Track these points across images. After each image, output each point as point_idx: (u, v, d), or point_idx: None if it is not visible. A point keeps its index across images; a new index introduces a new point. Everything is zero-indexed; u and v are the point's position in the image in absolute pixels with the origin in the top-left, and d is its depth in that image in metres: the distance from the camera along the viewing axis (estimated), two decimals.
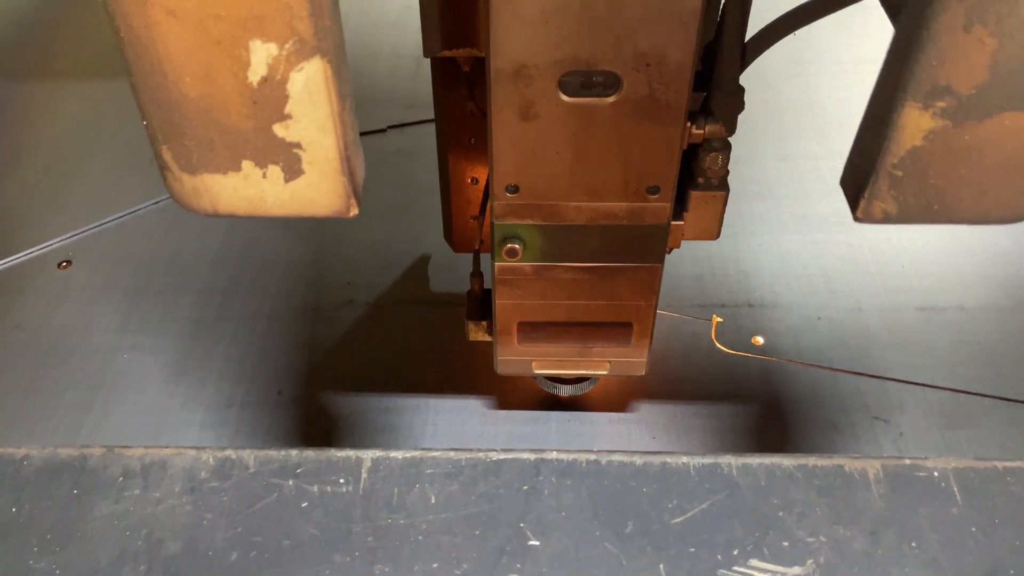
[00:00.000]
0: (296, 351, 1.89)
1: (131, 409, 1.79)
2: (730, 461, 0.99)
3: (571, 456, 1.00)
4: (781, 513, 0.94)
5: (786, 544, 0.91)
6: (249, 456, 0.98)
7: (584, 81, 1.13)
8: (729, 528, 0.93)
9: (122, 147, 2.47)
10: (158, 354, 1.88)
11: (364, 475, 0.97)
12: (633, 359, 1.48)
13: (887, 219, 0.87)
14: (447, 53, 1.20)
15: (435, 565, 0.90)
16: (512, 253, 1.30)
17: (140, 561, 0.89)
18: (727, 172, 1.34)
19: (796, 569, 0.89)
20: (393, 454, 1.00)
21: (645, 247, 1.31)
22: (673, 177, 1.22)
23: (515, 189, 1.24)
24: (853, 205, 0.88)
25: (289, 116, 0.81)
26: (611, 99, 1.13)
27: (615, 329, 1.43)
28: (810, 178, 2.36)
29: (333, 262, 2.11)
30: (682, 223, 1.37)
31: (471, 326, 1.54)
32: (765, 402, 1.80)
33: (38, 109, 2.65)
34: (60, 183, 2.36)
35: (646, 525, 0.93)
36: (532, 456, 1.00)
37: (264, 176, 0.85)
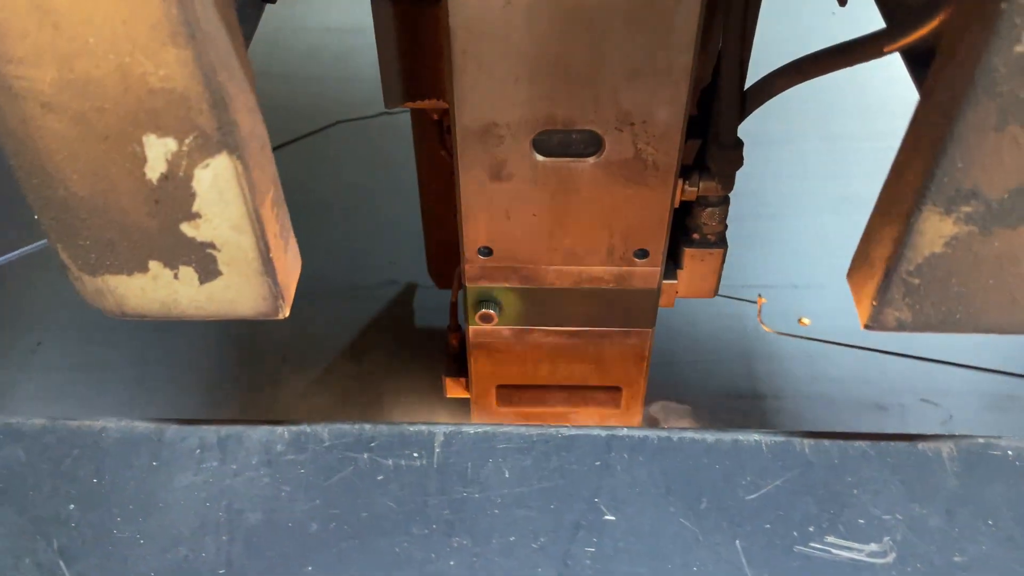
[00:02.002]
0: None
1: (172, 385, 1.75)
2: (802, 439, 0.97)
3: (642, 433, 0.99)
4: (856, 491, 0.93)
5: (862, 522, 0.90)
6: (323, 430, 0.98)
7: (562, 140, 1.01)
8: (804, 505, 0.92)
9: None
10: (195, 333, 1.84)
11: (437, 449, 0.98)
12: (625, 421, 1.36)
13: (901, 327, 0.75)
14: (409, 105, 1.08)
15: (512, 538, 0.91)
16: (486, 319, 1.18)
17: (221, 532, 0.90)
18: (725, 227, 1.22)
19: (872, 546, 0.89)
20: (465, 428, 1.00)
21: (634, 312, 1.19)
22: (663, 241, 1.10)
23: (488, 251, 1.12)
24: (861, 310, 0.76)
25: (198, 215, 0.69)
26: (592, 160, 1.01)
27: (603, 393, 1.32)
28: (852, 159, 2.29)
29: (375, 242, 2.06)
30: (675, 282, 1.25)
31: (448, 383, 1.43)
32: (812, 383, 1.74)
33: None
34: None
35: (720, 501, 0.93)
36: (603, 432, 1.00)
37: (176, 277, 0.74)
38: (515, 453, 0.97)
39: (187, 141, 0.64)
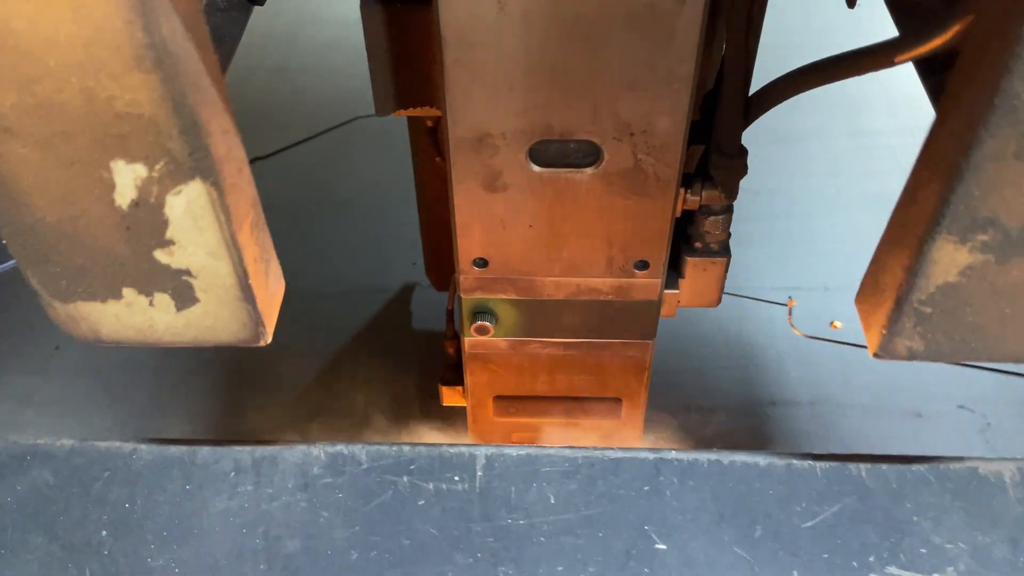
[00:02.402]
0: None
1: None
2: (858, 463, 0.93)
3: (691, 456, 0.96)
4: (915, 517, 0.89)
5: (923, 551, 0.87)
6: (361, 451, 0.95)
7: (559, 150, 0.97)
8: (863, 533, 0.88)
9: None
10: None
11: (479, 472, 0.94)
12: (625, 434, 1.33)
13: (912, 356, 0.72)
14: (402, 113, 1.04)
15: (560, 568, 0.88)
16: (482, 331, 1.15)
17: (259, 559, 0.87)
18: (729, 235, 1.18)
19: None
20: (507, 451, 0.96)
21: (634, 323, 1.16)
22: (664, 252, 1.06)
23: (484, 263, 1.09)
24: (870, 338, 0.72)
25: (172, 242, 0.66)
26: (590, 170, 0.97)
27: (604, 403, 1.28)
28: (881, 154, 2.23)
29: (395, 242, 2.02)
30: (677, 292, 1.21)
31: (445, 391, 1.40)
32: (845, 390, 1.69)
33: None
34: None
35: (775, 528, 0.89)
36: (651, 455, 0.96)
37: (151, 304, 0.71)
38: (560, 477, 0.93)
39: (157, 167, 0.61)
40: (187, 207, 0.63)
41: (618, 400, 1.27)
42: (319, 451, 0.94)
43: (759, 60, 1.02)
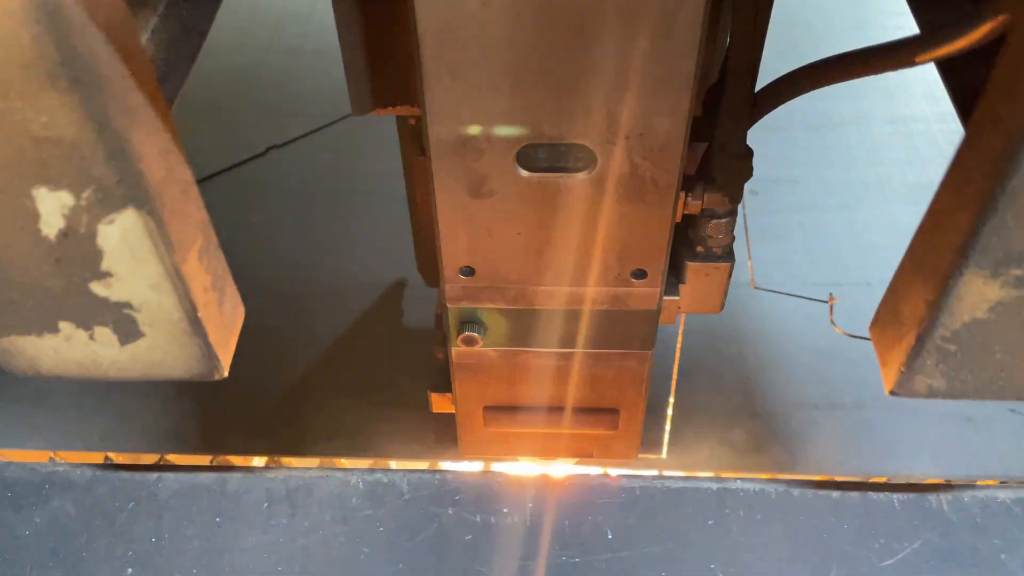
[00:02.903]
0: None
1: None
2: (939, 494, 0.89)
3: (758, 486, 0.91)
4: (1003, 555, 0.84)
5: None
6: (402, 480, 0.90)
7: (549, 153, 0.90)
8: (946, 572, 0.83)
9: None
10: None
11: (529, 504, 0.90)
12: (622, 445, 1.26)
13: (933, 395, 0.65)
14: (380, 112, 0.97)
15: None
16: (470, 342, 1.08)
17: None
18: (733, 239, 1.11)
19: None
20: (559, 479, 0.92)
21: (631, 333, 1.09)
22: (663, 260, 0.99)
23: (470, 271, 1.02)
24: (887, 373, 0.65)
25: (108, 274, 0.59)
26: (583, 175, 0.90)
27: (599, 415, 1.22)
28: (922, 142, 2.14)
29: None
30: (677, 298, 1.15)
31: (434, 398, 1.33)
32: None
33: None
34: None
35: (853, 568, 0.84)
36: (714, 485, 0.91)
37: (92, 338, 0.64)
38: (617, 510, 0.87)
39: (84, 195, 0.54)
40: (122, 237, 0.57)
41: (615, 411, 1.21)
42: (357, 479, 0.88)
43: (765, 54, 0.94)
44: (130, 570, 0.83)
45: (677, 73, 0.81)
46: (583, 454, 1.30)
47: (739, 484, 0.90)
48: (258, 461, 1.55)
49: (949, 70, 0.77)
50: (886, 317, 0.66)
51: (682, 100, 0.83)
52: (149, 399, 1.56)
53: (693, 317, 1.68)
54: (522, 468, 0.89)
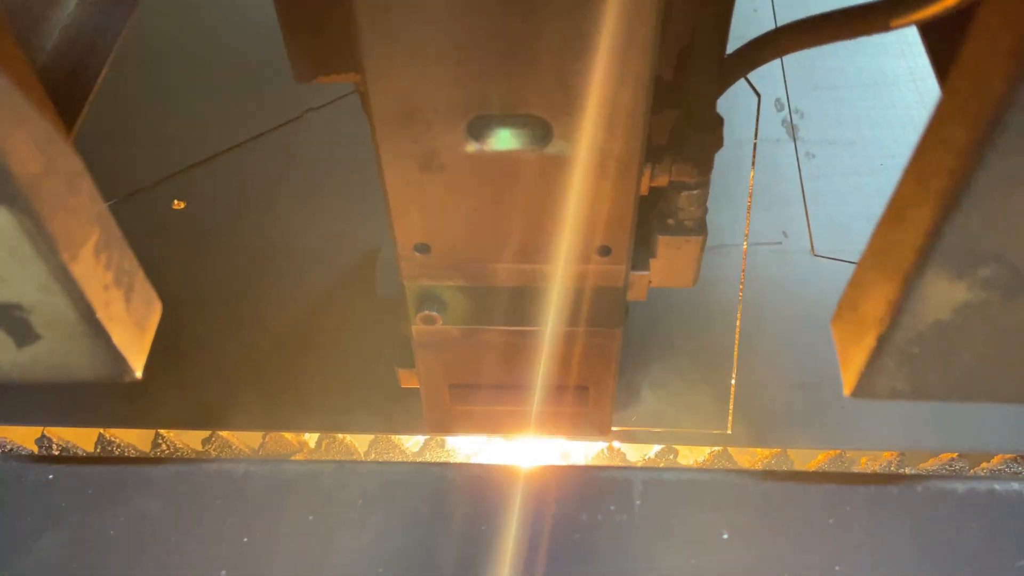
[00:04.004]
0: None
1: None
2: None
3: (879, 483, 0.84)
4: None
5: None
6: (502, 475, 0.87)
7: (502, 125, 0.84)
8: None
9: None
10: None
11: (636, 501, 0.85)
12: (593, 422, 1.22)
13: (895, 396, 0.60)
14: (324, 79, 0.91)
15: None
16: (429, 321, 1.03)
17: None
18: (706, 211, 1.05)
19: None
20: (666, 475, 0.87)
21: (598, 311, 1.04)
22: (628, 236, 0.94)
23: (426, 248, 0.96)
24: (847, 375, 0.61)
25: None
26: (538, 149, 0.84)
27: (569, 391, 1.18)
28: None
29: None
30: (647, 273, 1.09)
31: (403, 374, 1.29)
32: None
33: None
34: None
35: (985, 569, 0.78)
36: (834, 483, 0.85)
37: None
38: (728, 508, 0.82)
39: None
40: None
41: (585, 388, 1.16)
42: (455, 474, 0.83)
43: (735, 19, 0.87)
44: (224, 572, 0.79)
45: (635, 39, 0.74)
46: (554, 431, 1.26)
47: (859, 482, 0.84)
48: (310, 437, 1.51)
49: (931, 38, 0.71)
50: (847, 314, 0.61)
51: (641, 68, 0.77)
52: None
53: (751, 288, 1.62)
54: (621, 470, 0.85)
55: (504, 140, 0.84)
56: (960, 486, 0.81)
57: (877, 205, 1.81)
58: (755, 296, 1.63)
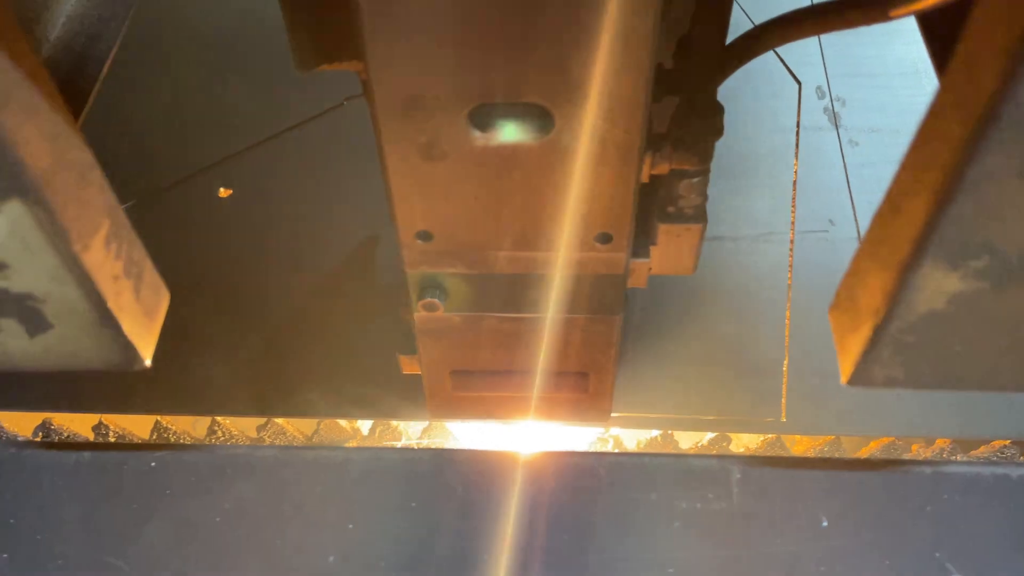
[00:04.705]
0: None
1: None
2: None
3: (973, 469, 0.84)
4: None
5: None
6: (598, 464, 0.88)
7: (504, 113, 0.85)
8: None
9: None
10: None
11: (735, 489, 0.84)
12: (594, 408, 1.24)
13: (890, 384, 0.61)
14: (327, 67, 0.91)
15: None
16: (431, 307, 1.04)
17: None
18: (705, 199, 1.06)
19: None
20: (762, 464, 0.85)
21: (597, 299, 1.05)
22: (628, 224, 0.95)
23: (427, 236, 0.97)
24: (843, 363, 0.62)
25: (6, 265, 0.55)
26: (540, 137, 0.85)
27: (570, 377, 1.19)
28: None
29: None
30: (647, 260, 1.10)
31: (403, 360, 1.30)
32: None
33: None
34: None
35: None
36: (928, 469, 0.84)
37: None
38: (824, 496, 0.81)
39: None
40: (11, 229, 0.52)
41: (585, 374, 1.18)
42: (549, 462, 0.84)
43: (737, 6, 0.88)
44: (331, 558, 0.79)
45: (636, 29, 0.75)
46: (554, 416, 1.28)
47: (953, 468, 0.84)
48: (363, 424, 1.52)
49: (930, 30, 0.71)
50: (844, 303, 0.62)
51: (642, 58, 0.77)
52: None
53: (800, 276, 1.63)
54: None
55: (506, 129, 0.85)
56: None
57: None
58: (804, 284, 1.64)
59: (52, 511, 0.81)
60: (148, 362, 0.65)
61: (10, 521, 0.81)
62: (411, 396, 1.50)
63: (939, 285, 0.52)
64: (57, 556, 0.79)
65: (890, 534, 0.79)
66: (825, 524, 0.80)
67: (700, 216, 1.06)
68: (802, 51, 1.92)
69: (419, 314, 1.08)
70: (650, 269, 1.12)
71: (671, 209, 1.06)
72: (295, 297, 1.71)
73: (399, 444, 1.52)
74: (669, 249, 1.09)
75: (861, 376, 0.61)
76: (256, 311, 1.69)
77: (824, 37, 1.91)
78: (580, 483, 0.82)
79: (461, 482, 0.83)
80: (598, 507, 0.81)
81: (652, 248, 1.10)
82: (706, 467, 0.84)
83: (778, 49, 1.83)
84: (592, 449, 1.55)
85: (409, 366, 1.31)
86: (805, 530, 0.80)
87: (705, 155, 0.96)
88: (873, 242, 0.57)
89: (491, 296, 1.05)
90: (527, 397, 1.22)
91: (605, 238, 0.96)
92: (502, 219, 0.94)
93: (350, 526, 0.81)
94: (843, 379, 0.62)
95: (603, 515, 0.81)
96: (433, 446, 1.46)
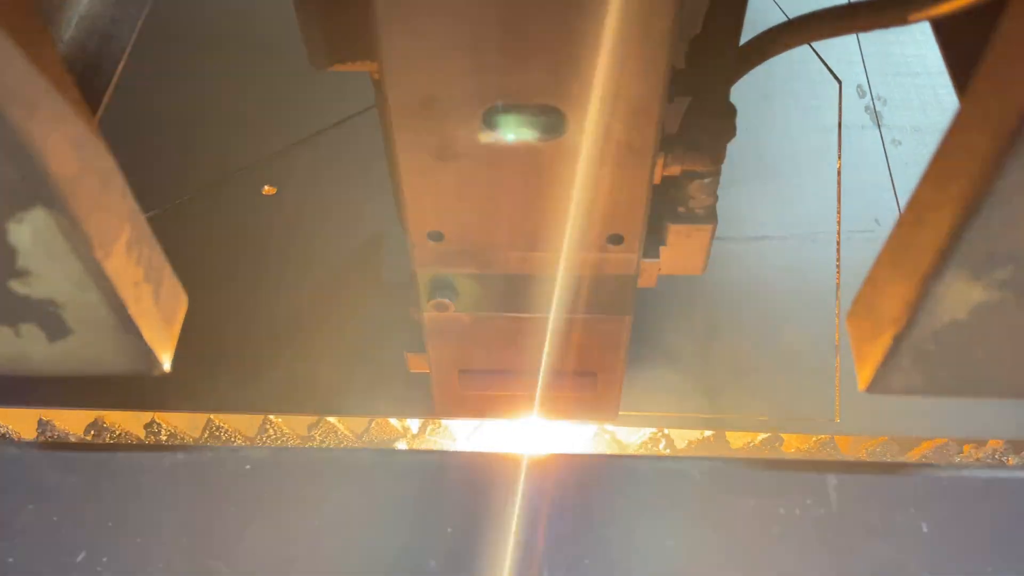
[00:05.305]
0: None
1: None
2: None
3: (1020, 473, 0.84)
4: None
5: None
6: (690, 467, 0.87)
7: (518, 114, 0.85)
8: None
9: None
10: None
11: (832, 494, 0.83)
12: (602, 408, 1.24)
13: (910, 391, 0.61)
14: (340, 67, 0.91)
15: None
16: (442, 308, 1.04)
17: None
18: (716, 199, 1.06)
19: None
20: (859, 470, 0.86)
21: (607, 299, 1.05)
22: (640, 225, 0.95)
23: (439, 236, 0.97)
24: (862, 371, 0.62)
25: (27, 272, 0.55)
26: (554, 139, 0.85)
27: (576, 378, 1.19)
28: None
29: None
30: (657, 261, 1.10)
31: (411, 358, 1.31)
32: None
33: None
34: None
35: None
36: (1019, 474, 0.85)
37: (18, 335, 0.60)
38: (924, 500, 0.81)
39: None
40: (34, 236, 0.52)
41: (593, 374, 1.18)
42: (641, 462, 0.84)
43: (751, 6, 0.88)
44: (433, 563, 0.80)
45: (652, 32, 0.75)
46: (562, 415, 1.28)
47: (1005, 473, 0.84)
48: (412, 423, 1.51)
49: (945, 37, 0.71)
50: (863, 311, 0.62)
51: (658, 61, 0.77)
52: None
53: (848, 276, 1.62)
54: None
55: (520, 130, 0.85)
56: None
57: None
58: (853, 284, 1.63)
59: (151, 513, 0.82)
60: (167, 367, 0.65)
61: (108, 524, 0.82)
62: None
63: (962, 295, 0.52)
64: (156, 559, 0.79)
65: (992, 539, 0.79)
66: (925, 529, 0.80)
67: (711, 216, 1.06)
68: (841, 49, 1.91)
69: (429, 314, 1.08)
70: (660, 269, 1.12)
71: (682, 209, 1.06)
72: (335, 300, 1.69)
73: (453, 445, 1.51)
74: (679, 249, 1.09)
75: (880, 384, 0.61)
76: (291, 314, 1.67)
77: (863, 36, 1.89)
78: (664, 487, 0.83)
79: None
80: (688, 507, 0.84)
81: (662, 248, 1.10)
82: (802, 478, 0.84)
83: (816, 47, 1.82)
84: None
85: (416, 364, 1.31)
86: (908, 535, 0.80)
87: (717, 156, 0.96)
88: (894, 253, 0.57)
89: (501, 296, 1.05)
90: (534, 396, 1.22)
91: (617, 239, 0.96)
92: (514, 220, 0.95)
93: (449, 530, 0.82)
94: (861, 386, 0.62)
95: (699, 523, 0.82)
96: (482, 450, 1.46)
